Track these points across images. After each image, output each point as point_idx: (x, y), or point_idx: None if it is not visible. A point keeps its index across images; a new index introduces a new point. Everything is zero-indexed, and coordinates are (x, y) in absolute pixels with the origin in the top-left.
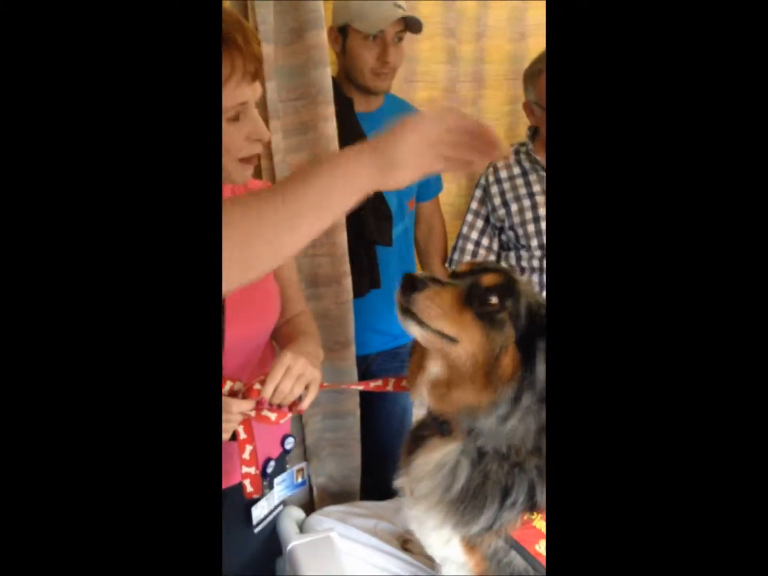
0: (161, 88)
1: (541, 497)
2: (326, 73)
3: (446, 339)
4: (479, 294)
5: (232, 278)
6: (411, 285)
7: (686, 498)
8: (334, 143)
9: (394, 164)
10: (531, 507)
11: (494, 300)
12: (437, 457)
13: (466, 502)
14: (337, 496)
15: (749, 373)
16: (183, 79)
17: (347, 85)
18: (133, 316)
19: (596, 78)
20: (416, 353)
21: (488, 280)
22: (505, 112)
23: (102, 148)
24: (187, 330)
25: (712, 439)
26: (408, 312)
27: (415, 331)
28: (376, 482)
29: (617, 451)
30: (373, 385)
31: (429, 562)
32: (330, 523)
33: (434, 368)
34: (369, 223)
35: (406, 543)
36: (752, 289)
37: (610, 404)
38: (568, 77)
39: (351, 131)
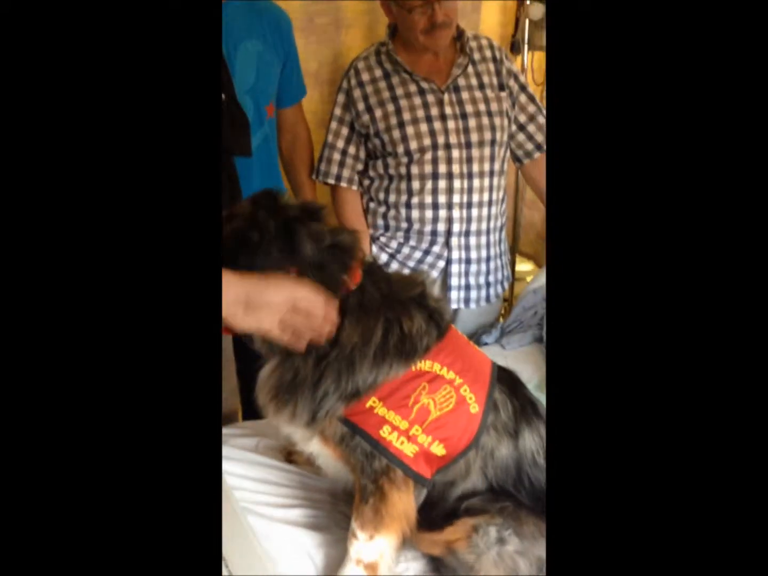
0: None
1: (353, 384)
2: None
3: None
4: None
5: None
6: None
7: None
8: None
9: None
10: (349, 395)
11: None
12: (267, 364)
13: (280, 396)
14: None
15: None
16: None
17: None
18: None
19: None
20: None
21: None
22: (363, 10)
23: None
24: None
25: (712, 431)
26: None
27: None
28: None
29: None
30: None
31: (313, 468)
32: None
33: None
34: (223, 130)
35: (291, 455)
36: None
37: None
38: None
39: None
